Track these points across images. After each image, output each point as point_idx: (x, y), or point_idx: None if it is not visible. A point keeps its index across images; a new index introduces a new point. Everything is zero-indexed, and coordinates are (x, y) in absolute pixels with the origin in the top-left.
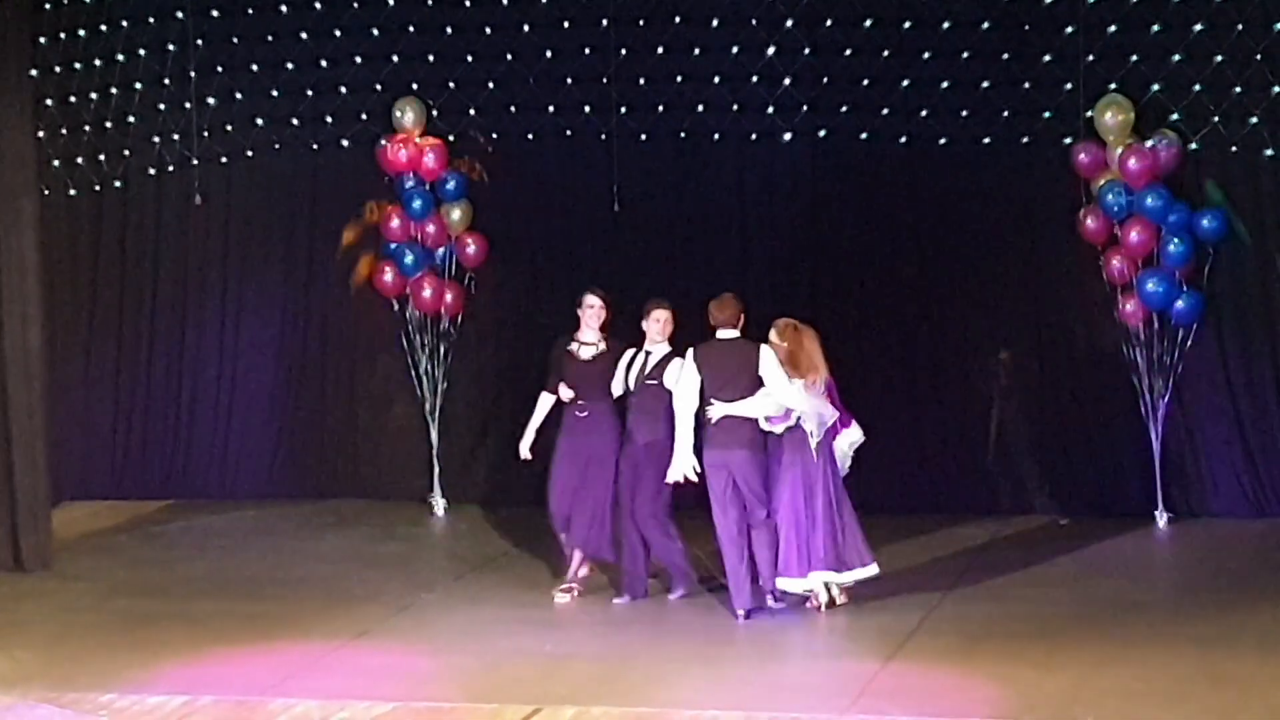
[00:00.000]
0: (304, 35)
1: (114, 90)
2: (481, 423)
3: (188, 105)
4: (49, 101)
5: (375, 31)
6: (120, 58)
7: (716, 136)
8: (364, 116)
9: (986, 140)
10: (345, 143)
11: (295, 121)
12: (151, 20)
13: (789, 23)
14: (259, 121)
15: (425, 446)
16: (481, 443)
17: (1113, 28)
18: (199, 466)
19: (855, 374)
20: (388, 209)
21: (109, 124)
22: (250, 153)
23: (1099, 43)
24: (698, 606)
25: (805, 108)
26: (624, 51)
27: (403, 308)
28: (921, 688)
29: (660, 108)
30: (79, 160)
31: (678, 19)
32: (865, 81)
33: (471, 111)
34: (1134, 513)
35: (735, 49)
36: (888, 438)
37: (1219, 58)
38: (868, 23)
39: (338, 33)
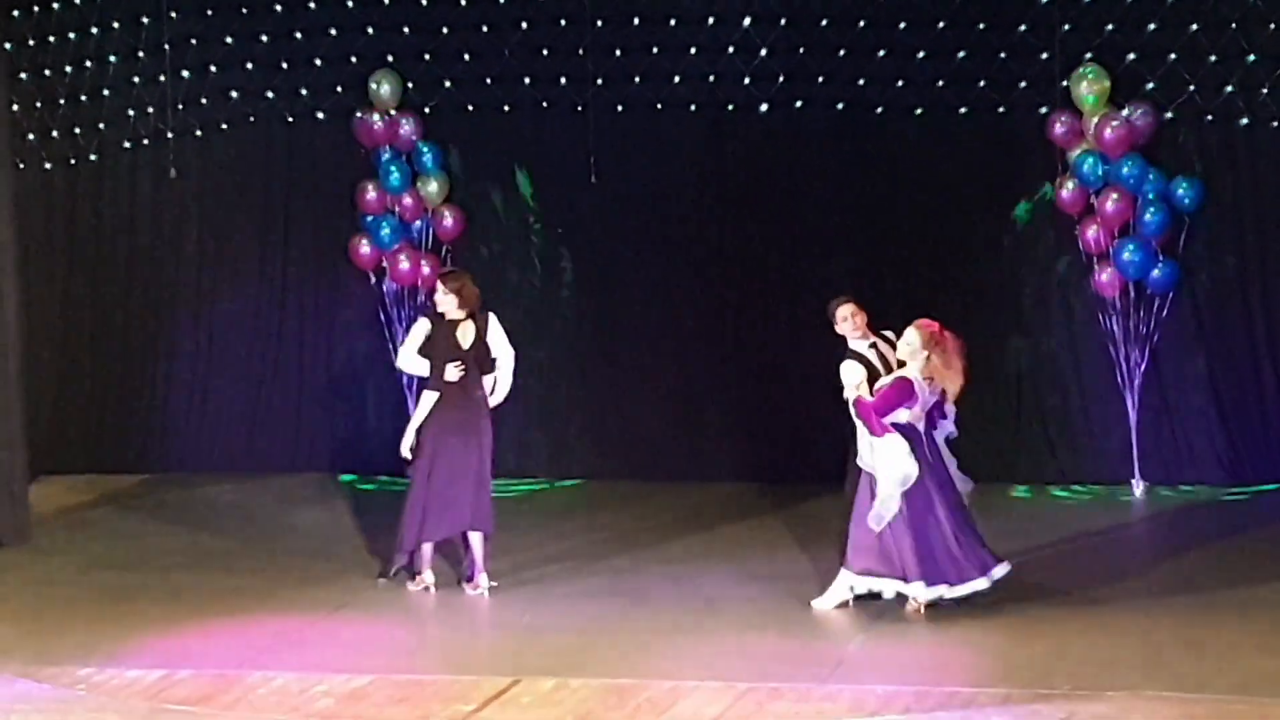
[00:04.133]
0: (278, 7)
1: (88, 63)
2: None
3: (162, 78)
4: (23, 75)
5: (350, 3)
6: (94, 30)
7: (693, 107)
8: (339, 89)
9: (962, 110)
10: (321, 115)
11: (270, 94)
12: None
13: None
14: (234, 94)
15: (403, 419)
16: None
17: None
18: (175, 440)
19: (833, 345)
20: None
21: (83, 97)
22: (225, 125)
23: (1074, 12)
24: (675, 580)
25: (781, 78)
26: (600, 22)
27: (379, 280)
28: (899, 657)
29: (637, 79)
30: (54, 134)
31: None
32: (841, 52)
33: (447, 83)
34: (1111, 481)
35: (711, 20)
36: None
37: (1194, 27)
38: None
39: (312, 5)
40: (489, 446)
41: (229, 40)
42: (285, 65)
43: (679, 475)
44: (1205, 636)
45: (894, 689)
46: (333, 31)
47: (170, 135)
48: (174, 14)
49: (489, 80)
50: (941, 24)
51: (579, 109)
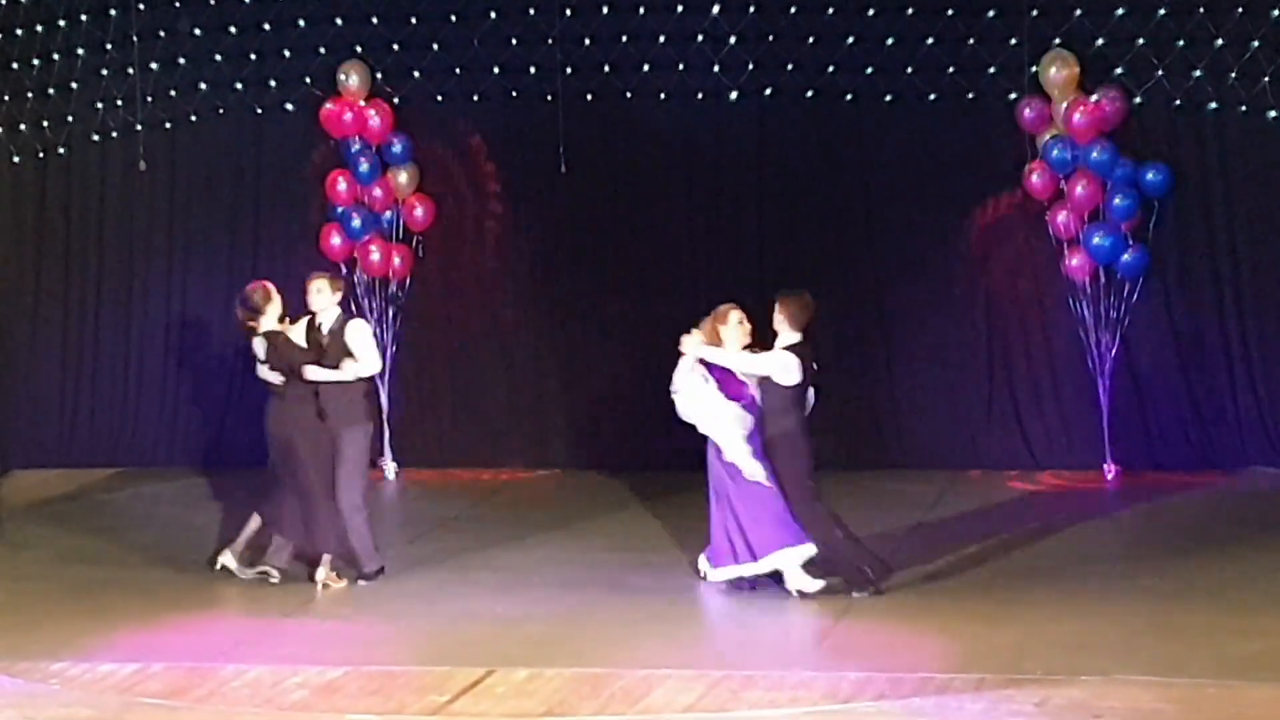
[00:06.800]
0: None
1: (56, 56)
2: (431, 385)
3: (131, 70)
4: None
5: None
6: (62, 23)
7: (662, 96)
8: (308, 80)
9: (932, 96)
10: (289, 106)
11: (239, 85)
12: None
13: None
14: (202, 86)
15: (375, 410)
16: (431, 405)
17: None
18: (147, 434)
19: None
20: None
21: (52, 90)
22: (194, 117)
23: None
24: (649, 569)
25: (751, 66)
26: (569, 12)
27: (351, 271)
28: (873, 644)
29: (606, 68)
30: (22, 126)
31: None
32: (811, 39)
33: (416, 74)
34: (1082, 466)
35: (680, 8)
36: (839, 396)
37: (1162, 11)
38: None
39: None
40: (301, 461)
41: (197, 32)
42: (254, 57)
43: (653, 465)
44: (1178, 620)
45: (867, 676)
46: (301, 22)
47: (139, 128)
48: (141, 6)
49: (458, 70)
50: (910, 11)
51: (548, 98)
